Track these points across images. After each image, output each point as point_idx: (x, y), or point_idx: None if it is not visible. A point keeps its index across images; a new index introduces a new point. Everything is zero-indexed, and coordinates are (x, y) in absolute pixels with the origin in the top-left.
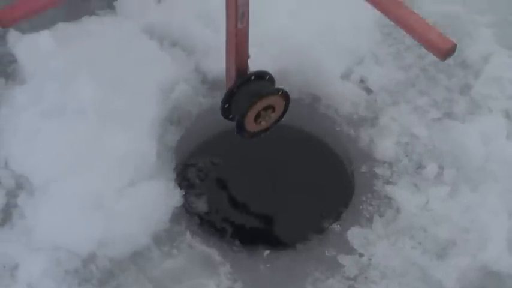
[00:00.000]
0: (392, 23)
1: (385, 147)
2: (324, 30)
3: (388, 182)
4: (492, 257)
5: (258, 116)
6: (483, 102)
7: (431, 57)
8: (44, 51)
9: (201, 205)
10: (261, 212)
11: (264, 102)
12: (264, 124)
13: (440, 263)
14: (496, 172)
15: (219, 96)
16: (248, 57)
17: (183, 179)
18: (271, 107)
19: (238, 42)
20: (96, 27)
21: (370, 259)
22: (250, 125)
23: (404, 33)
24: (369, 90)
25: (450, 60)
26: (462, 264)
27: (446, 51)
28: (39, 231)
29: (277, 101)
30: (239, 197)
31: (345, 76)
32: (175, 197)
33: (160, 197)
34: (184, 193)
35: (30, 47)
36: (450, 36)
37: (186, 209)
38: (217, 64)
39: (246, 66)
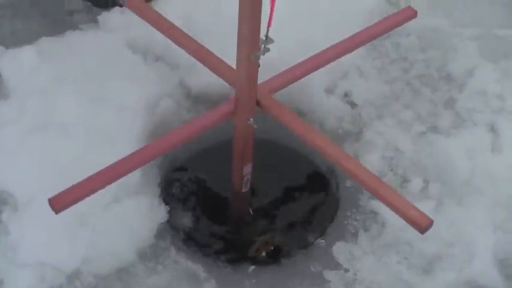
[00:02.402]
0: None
1: (370, 161)
2: (306, 44)
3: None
4: (478, 271)
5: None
6: (468, 116)
7: (416, 71)
8: (27, 66)
9: (186, 221)
10: (246, 227)
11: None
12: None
13: (426, 278)
14: (481, 186)
15: (202, 111)
16: None
17: (168, 195)
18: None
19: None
20: (79, 42)
21: (355, 274)
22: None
23: (389, 47)
24: (353, 104)
25: (434, 74)
26: (448, 278)
27: (426, 228)
28: (24, 247)
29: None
30: (224, 212)
31: (329, 90)
32: (160, 212)
33: (145, 212)
34: (169, 209)
35: (14, 62)
36: (434, 49)
37: (171, 225)
38: (201, 79)
39: None
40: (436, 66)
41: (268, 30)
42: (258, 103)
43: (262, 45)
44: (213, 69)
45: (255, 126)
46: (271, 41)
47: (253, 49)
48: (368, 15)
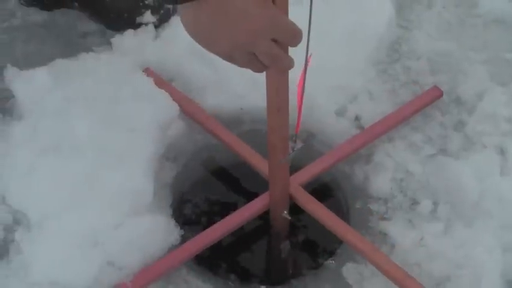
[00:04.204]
0: (387, 59)
1: (380, 183)
2: (316, 67)
3: (383, 218)
4: None
5: None
6: (477, 139)
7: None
8: (41, 87)
9: None
10: (256, 247)
11: None
12: None
13: None
14: (490, 208)
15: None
16: None
17: (180, 215)
18: None
19: None
20: (93, 64)
21: None
22: None
23: (399, 70)
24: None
25: (444, 97)
26: None
27: None
28: (36, 267)
29: None
30: (234, 233)
31: (340, 113)
32: (171, 232)
33: (157, 233)
34: (180, 228)
35: (28, 83)
36: (444, 73)
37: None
38: (213, 100)
39: None
40: (446, 89)
41: (296, 136)
42: (291, 197)
43: (291, 149)
44: (247, 160)
45: (290, 218)
46: (300, 145)
47: (283, 154)
48: (378, 41)
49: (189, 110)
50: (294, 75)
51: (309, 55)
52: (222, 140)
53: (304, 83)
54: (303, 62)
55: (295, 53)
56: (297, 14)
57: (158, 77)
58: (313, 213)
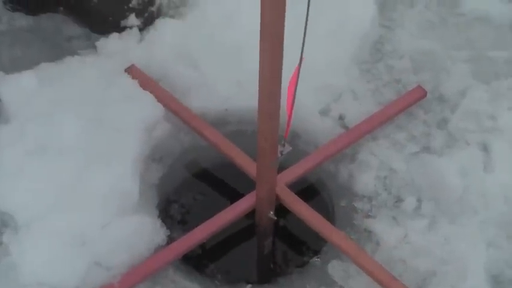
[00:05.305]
0: (370, 59)
1: (365, 181)
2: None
3: (368, 216)
4: None
5: None
6: (460, 136)
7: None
8: (27, 90)
9: None
10: (242, 247)
11: None
12: None
13: None
14: (473, 204)
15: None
16: None
17: (166, 216)
18: None
19: None
20: (78, 67)
21: None
22: None
23: (382, 70)
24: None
25: (428, 95)
26: None
27: None
28: (25, 268)
29: None
30: (221, 233)
31: (324, 112)
32: (158, 233)
33: (144, 233)
34: (166, 229)
35: (14, 87)
36: (427, 71)
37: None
38: (198, 102)
39: None
40: (428, 87)
41: (285, 139)
42: (277, 197)
43: (280, 153)
44: (233, 161)
45: (275, 218)
46: (289, 149)
47: (272, 158)
48: (361, 41)
49: (174, 108)
50: (284, 78)
51: (300, 60)
52: (208, 140)
53: (295, 89)
54: (293, 66)
55: (286, 55)
56: (290, 16)
57: (143, 74)
58: (299, 214)
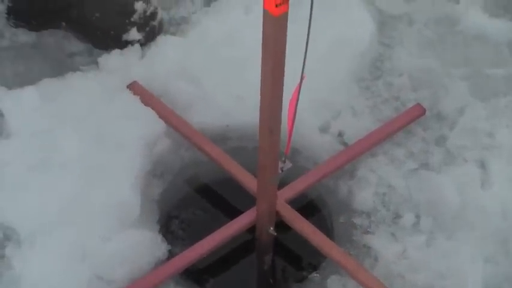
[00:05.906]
0: (369, 76)
1: (363, 198)
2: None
3: (366, 232)
4: None
5: None
6: (458, 153)
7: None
8: (29, 106)
9: None
10: (242, 262)
11: None
12: None
13: None
14: (471, 220)
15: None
16: None
17: (167, 231)
18: None
19: None
20: (80, 83)
21: None
22: None
23: (381, 87)
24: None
25: (426, 113)
26: None
27: None
28: (27, 282)
29: None
30: (221, 248)
31: (323, 129)
32: (159, 247)
33: (145, 248)
34: (167, 244)
35: (16, 102)
36: (425, 88)
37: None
38: (199, 118)
39: None
40: (427, 105)
41: (286, 156)
42: (277, 213)
43: (280, 169)
44: (234, 176)
45: (275, 234)
46: (289, 165)
47: (272, 174)
48: (361, 58)
49: (175, 124)
50: (285, 95)
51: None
52: (208, 156)
53: (296, 105)
54: (292, 82)
55: (287, 72)
56: (291, 30)
57: (145, 90)
58: (299, 231)
